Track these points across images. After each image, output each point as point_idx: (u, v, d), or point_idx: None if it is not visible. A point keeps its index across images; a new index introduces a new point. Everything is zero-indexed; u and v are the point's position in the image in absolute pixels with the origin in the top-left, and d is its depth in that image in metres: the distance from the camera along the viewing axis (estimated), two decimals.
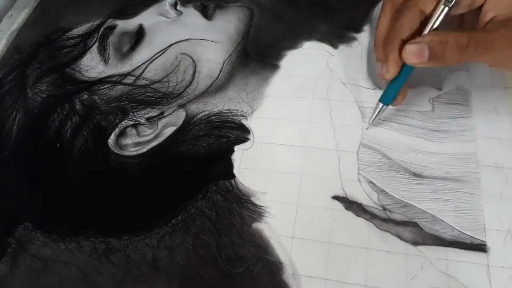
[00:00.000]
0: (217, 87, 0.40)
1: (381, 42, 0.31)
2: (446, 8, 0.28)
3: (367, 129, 0.34)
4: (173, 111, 0.39)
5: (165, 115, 0.39)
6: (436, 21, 0.28)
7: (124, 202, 0.35)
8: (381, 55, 0.31)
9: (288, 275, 0.30)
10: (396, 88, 0.31)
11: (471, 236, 0.29)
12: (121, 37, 0.44)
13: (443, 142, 0.33)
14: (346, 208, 0.32)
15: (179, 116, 0.39)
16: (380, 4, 0.41)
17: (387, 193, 0.31)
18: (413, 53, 0.27)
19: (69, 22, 0.49)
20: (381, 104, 0.32)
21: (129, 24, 0.45)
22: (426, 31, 0.28)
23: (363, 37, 0.40)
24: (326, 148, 0.35)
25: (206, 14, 0.45)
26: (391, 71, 0.30)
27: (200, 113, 0.39)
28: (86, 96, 0.41)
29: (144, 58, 0.42)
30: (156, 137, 0.38)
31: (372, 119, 0.33)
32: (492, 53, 0.27)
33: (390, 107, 0.33)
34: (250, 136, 0.37)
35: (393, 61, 0.29)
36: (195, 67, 0.41)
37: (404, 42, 0.28)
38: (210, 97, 0.40)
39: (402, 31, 0.29)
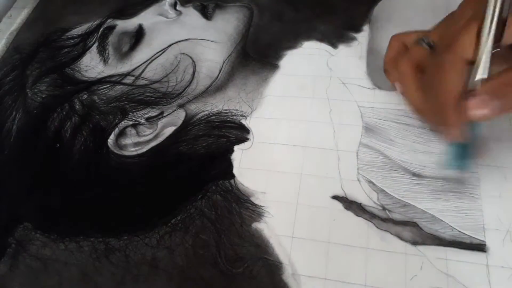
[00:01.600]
0: (216, 87, 0.40)
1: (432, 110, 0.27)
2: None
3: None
4: (172, 111, 0.39)
5: (164, 115, 0.39)
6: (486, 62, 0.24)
7: (124, 202, 0.35)
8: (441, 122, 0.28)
9: (287, 275, 0.30)
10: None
11: (470, 236, 0.29)
12: (120, 37, 0.44)
13: (443, 142, 0.33)
14: (346, 208, 0.32)
15: (179, 116, 0.39)
16: (380, 4, 0.42)
17: (387, 192, 0.31)
18: (479, 106, 0.24)
19: (69, 22, 0.49)
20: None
21: (128, 24, 0.45)
22: (478, 75, 0.24)
23: (363, 37, 0.40)
24: (325, 148, 0.35)
25: (206, 14, 0.45)
26: (455, 134, 0.26)
27: (200, 113, 0.39)
28: (85, 96, 0.41)
29: (144, 58, 0.42)
30: (155, 137, 0.38)
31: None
32: None
33: None
34: (250, 136, 0.37)
35: (455, 122, 0.26)
36: (194, 67, 0.41)
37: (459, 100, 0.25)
38: (210, 97, 0.40)
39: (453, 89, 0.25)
